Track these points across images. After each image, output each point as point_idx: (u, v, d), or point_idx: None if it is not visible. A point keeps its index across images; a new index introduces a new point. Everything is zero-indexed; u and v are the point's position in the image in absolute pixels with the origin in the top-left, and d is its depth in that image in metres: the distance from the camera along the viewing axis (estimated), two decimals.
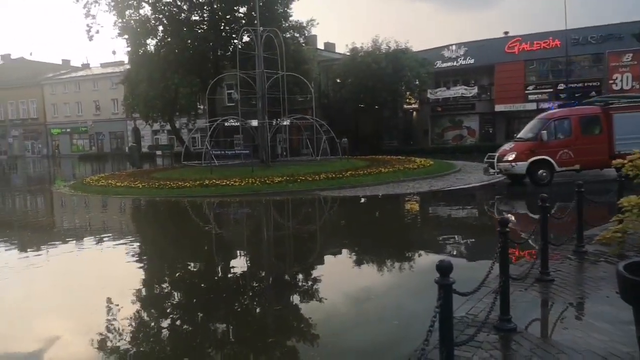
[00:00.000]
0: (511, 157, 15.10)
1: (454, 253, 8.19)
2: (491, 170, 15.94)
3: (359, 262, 8.07)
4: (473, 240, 9.46)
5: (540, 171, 14.81)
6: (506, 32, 35.56)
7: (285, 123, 27.32)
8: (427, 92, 37.18)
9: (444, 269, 2.75)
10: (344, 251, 9.01)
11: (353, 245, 9.34)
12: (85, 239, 10.77)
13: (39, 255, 9.07)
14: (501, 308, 4.12)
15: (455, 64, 35.81)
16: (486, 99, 35.69)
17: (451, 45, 36.05)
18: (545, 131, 14.92)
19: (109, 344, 4.75)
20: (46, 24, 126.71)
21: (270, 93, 25.05)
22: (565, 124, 15.29)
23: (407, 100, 37.69)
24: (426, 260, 7.86)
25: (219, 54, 30.74)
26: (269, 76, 24.53)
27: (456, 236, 9.81)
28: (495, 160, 15.56)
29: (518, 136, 17.02)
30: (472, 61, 35.09)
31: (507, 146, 16.43)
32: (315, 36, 40.58)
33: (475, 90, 35.93)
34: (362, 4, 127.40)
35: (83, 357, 4.56)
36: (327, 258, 8.55)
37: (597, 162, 15.13)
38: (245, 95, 27.82)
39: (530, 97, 33.18)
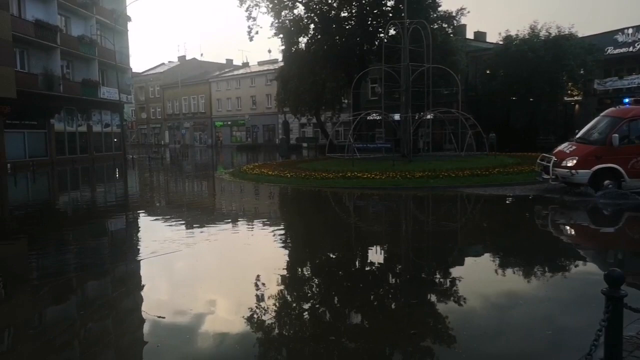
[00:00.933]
0: (571, 162, 12.56)
1: (617, 264, 7.21)
2: (544, 176, 13.42)
3: (502, 265, 7.55)
4: None
5: (607, 182, 12.18)
6: None
7: (428, 117, 26.71)
8: (594, 83, 32.99)
9: (614, 280, 2.48)
10: (487, 253, 8.55)
11: (497, 247, 8.81)
12: (241, 221, 11.98)
13: (204, 232, 10.32)
14: None
15: (631, 49, 31.08)
16: None
17: (627, 28, 31.36)
18: (617, 134, 12.07)
19: (254, 317, 5.21)
20: (214, 27, 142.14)
21: (415, 86, 24.71)
22: None
23: (569, 91, 33.93)
24: (582, 269, 7.08)
25: (365, 48, 31.21)
26: (414, 69, 24.19)
27: (619, 245, 8.62)
28: (551, 164, 13.04)
29: (579, 136, 13.98)
30: None
31: (565, 148, 13.62)
32: (464, 25, 38.78)
33: None
34: None
35: (231, 326, 5.05)
36: (469, 258, 8.20)
37: None
38: (389, 89, 27.86)
39: None
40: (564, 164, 12.82)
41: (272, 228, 11.07)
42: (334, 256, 8.54)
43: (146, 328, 5.03)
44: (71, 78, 33.93)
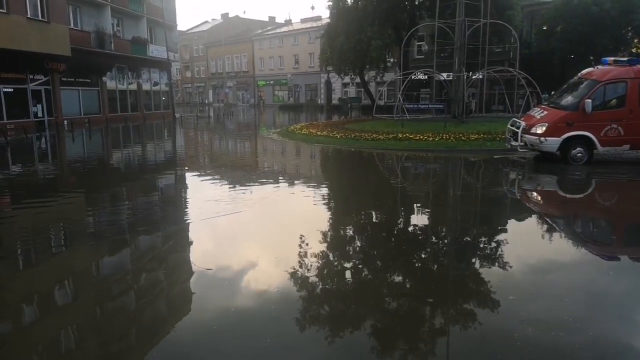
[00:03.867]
0: (541, 129, 11.82)
1: None
2: (513, 143, 12.68)
3: (550, 231, 7.41)
4: None
5: (576, 150, 11.57)
6: None
7: (479, 76, 25.67)
8: None
9: None
10: (535, 218, 8.37)
11: (553, 214, 8.59)
12: (301, 182, 12.05)
13: (270, 192, 10.51)
14: None
15: None
16: None
17: None
18: (590, 100, 11.19)
19: (296, 275, 5.34)
20: None
21: (468, 43, 23.64)
22: (619, 90, 11.39)
23: (635, 49, 31.67)
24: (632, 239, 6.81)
25: (416, 3, 29.92)
26: (469, 25, 23.08)
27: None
28: (520, 130, 12.26)
29: (553, 100, 12.92)
30: None
31: (537, 113, 12.72)
32: None
33: None
34: None
35: (272, 282, 5.21)
36: (521, 224, 8.01)
37: None
38: (441, 47, 26.79)
39: None
40: (533, 130, 12.15)
41: (333, 190, 11.15)
42: (402, 219, 8.52)
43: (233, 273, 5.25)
44: (121, 36, 34.43)
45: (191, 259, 6.09)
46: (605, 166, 12.18)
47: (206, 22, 77.25)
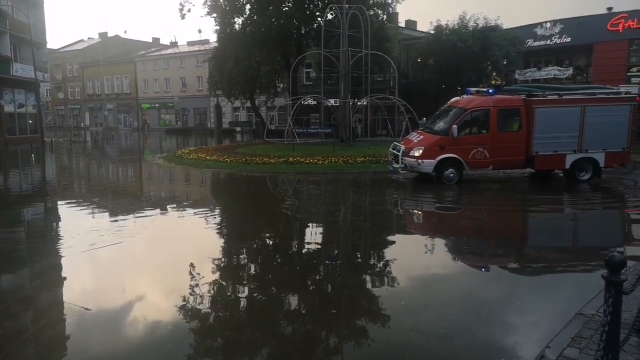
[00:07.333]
0: (418, 152, 13.07)
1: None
2: (395, 165, 13.94)
3: (431, 247, 8.00)
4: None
5: (448, 171, 12.96)
6: (610, 8, 32.58)
7: (364, 103, 27.19)
8: (515, 73, 35.15)
9: (614, 265, 2.58)
10: (415, 234, 8.93)
11: (433, 228, 9.21)
12: (187, 207, 11.50)
13: (150, 220, 9.81)
14: None
15: (548, 42, 33.44)
16: (581, 81, 33.08)
17: (545, 22, 33.65)
18: (456, 126, 12.71)
19: (187, 305, 5.09)
20: (139, 3, 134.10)
21: (351, 72, 24.94)
22: (482, 117, 13.09)
23: (493, 81, 35.91)
24: (499, 249, 7.58)
25: (302, 32, 30.88)
26: (352, 55, 24.39)
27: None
28: (400, 153, 13.58)
29: (428, 125, 14.61)
30: (568, 40, 32.56)
31: (414, 137, 14.21)
32: (397, 14, 39.60)
33: (569, 71, 33.39)
34: None
35: (164, 315, 4.91)
36: (403, 239, 8.50)
37: (511, 162, 13.37)
38: (327, 74, 27.89)
39: (634, 79, 30.32)
40: (411, 153, 13.20)
41: (223, 216, 10.78)
42: (294, 242, 8.47)
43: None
44: None
45: (65, 299, 5.40)
46: (473, 184, 13.44)
47: (82, 40, 71.81)
